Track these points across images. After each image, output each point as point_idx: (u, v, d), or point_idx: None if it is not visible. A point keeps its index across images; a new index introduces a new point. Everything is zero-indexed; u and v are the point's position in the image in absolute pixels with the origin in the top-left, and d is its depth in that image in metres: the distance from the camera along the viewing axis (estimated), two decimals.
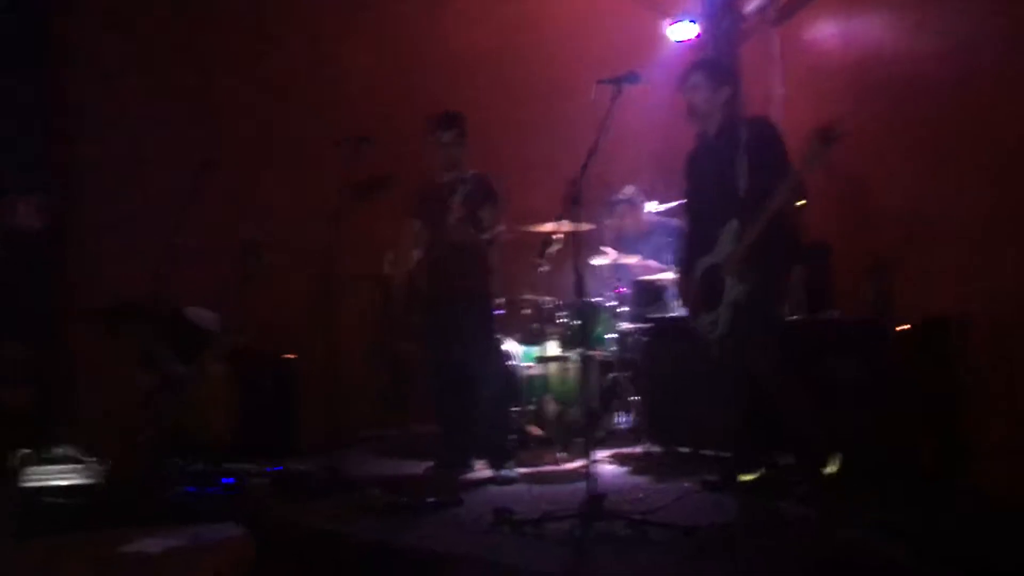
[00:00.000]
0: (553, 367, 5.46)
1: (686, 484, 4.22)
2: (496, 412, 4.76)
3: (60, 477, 4.60)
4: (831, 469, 3.79)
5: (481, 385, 4.69)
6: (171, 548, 2.76)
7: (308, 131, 6.06)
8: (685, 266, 4.37)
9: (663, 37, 6.67)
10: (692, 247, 4.33)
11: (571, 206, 3.67)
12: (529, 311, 5.67)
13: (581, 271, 3.65)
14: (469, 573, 3.14)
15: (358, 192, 4.36)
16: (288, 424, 5.43)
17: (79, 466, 4.74)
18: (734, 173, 3.90)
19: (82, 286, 5.64)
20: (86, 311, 5.36)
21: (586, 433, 3.78)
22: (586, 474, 3.46)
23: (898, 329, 4.05)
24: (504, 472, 4.59)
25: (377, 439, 5.73)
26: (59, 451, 4.84)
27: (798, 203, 3.92)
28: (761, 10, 6.19)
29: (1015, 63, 4.04)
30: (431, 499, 3.99)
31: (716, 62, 4.37)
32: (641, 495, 4.05)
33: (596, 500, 3.39)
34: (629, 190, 5.91)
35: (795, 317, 4.68)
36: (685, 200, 4.52)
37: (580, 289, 3.61)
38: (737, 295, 3.95)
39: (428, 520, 3.77)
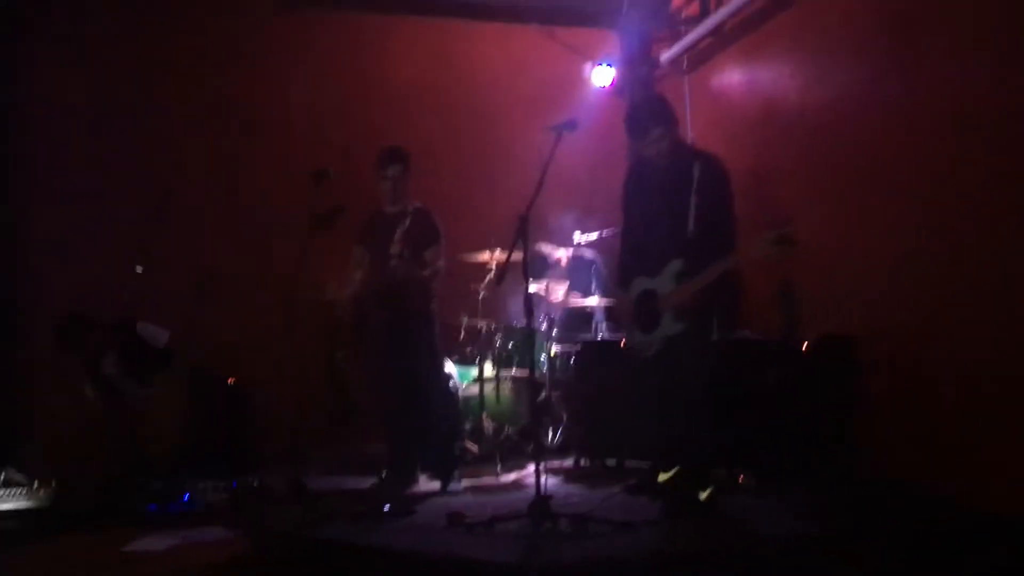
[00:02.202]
0: (489, 387, 5.84)
1: (614, 489, 4.67)
2: (442, 428, 5.11)
3: (7, 500, 4.73)
4: (703, 496, 4.24)
5: (427, 402, 5.03)
6: (172, 545, 3.06)
7: (264, 163, 6.39)
8: (622, 278, 4.63)
9: (585, 79, 7.21)
10: (630, 262, 4.60)
11: (520, 239, 4.04)
12: (464, 334, 6.06)
13: (530, 297, 4.04)
14: (435, 567, 3.48)
15: (317, 222, 4.67)
16: (241, 441, 5.64)
17: (25, 489, 4.89)
18: (684, 211, 4.18)
19: (35, 305, 5.82)
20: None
21: (533, 443, 4.17)
22: (532, 481, 3.84)
23: (804, 346, 4.57)
24: (451, 486, 4.94)
25: (324, 456, 5.97)
26: (6, 474, 4.98)
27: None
28: (674, 59, 6.78)
29: (899, 113, 4.63)
30: (387, 507, 4.33)
31: (659, 106, 4.44)
32: (576, 499, 4.49)
33: (543, 500, 3.79)
34: (551, 250, 6.36)
35: (712, 338, 5.20)
36: (626, 214, 4.68)
37: (529, 313, 4.01)
38: (673, 331, 4.29)
39: (387, 526, 4.09)
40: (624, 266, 4.68)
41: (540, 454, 4.01)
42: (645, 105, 4.55)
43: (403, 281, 4.95)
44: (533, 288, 5.95)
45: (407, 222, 4.94)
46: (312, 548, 3.64)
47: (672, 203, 4.30)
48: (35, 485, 4.92)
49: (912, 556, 3.45)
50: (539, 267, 6.37)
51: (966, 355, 4.16)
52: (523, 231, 4.00)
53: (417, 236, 5.00)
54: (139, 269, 5.17)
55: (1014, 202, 3.85)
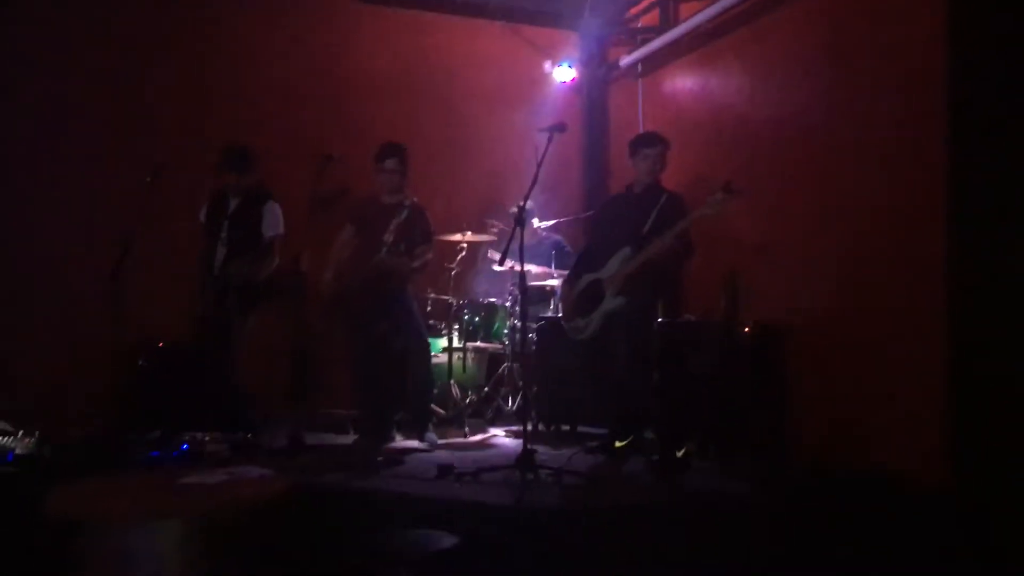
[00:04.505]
0: (456, 357, 6.38)
1: (574, 449, 5.29)
2: (423, 391, 5.63)
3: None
4: (680, 454, 4.96)
5: (412, 371, 5.54)
6: (221, 481, 3.50)
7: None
8: (572, 278, 5.45)
9: (545, 76, 7.74)
10: (583, 264, 5.42)
11: (517, 226, 4.60)
12: (430, 308, 6.57)
13: (524, 277, 4.61)
14: (439, 508, 4.01)
15: (321, 204, 5.11)
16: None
17: (11, 437, 5.18)
18: (644, 219, 5.03)
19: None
20: None
21: (524, 406, 4.82)
22: (499, 440, 4.42)
23: (745, 331, 5.25)
24: (427, 435, 5.47)
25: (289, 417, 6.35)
26: None
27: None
28: (631, 64, 7.38)
29: (833, 129, 5.32)
30: (380, 458, 4.84)
31: (660, 135, 5.37)
32: (544, 457, 5.07)
33: (530, 453, 4.38)
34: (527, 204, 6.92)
35: (660, 320, 5.84)
36: (593, 230, 5.66)
37: (523, 292, 4.58)
38: (613, 305, 5.06)
39: (383, 474, 4.60)
40: (577, 269, 5.49)
41: (527, 415, 4.63)
42: (650, 132, 5.54)
43: (390, 270, 5.44)
44: (500, 268, 6.54)
45: (403, 215, 5.41)
46: (318, 493, 4.13)
47: (635, 217, 5.11)
48: (20, 434, 5.22)
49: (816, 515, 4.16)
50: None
51: (872, 343, 4.91)
52: (520, 219, 4.54)
53: (411, 230, 5.47)
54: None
55: (925, 211, 4.57)
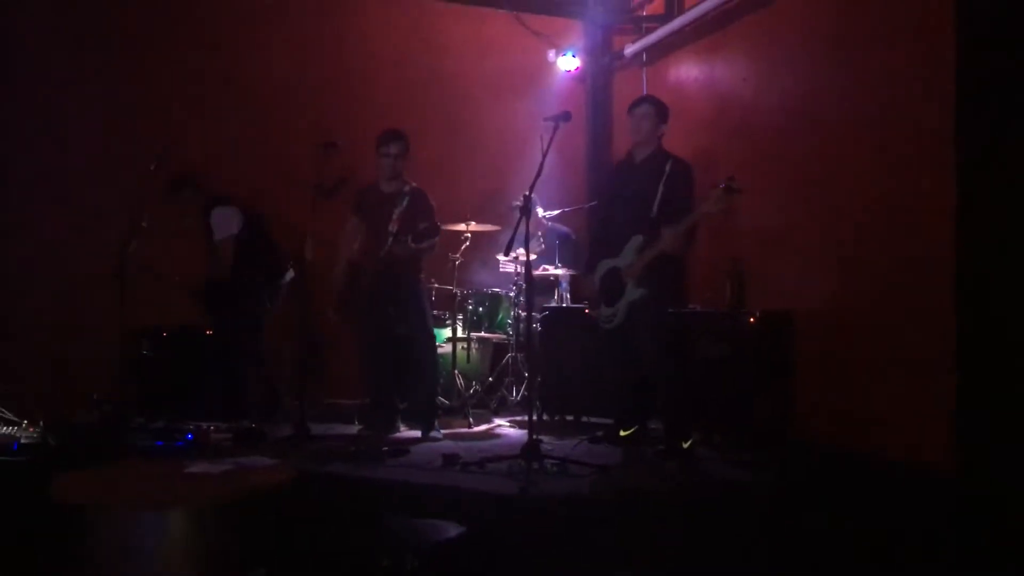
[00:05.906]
0: (460, 347, 6.37)
1: (578, 439, 5.28)
2: (428, 382, 5.61)
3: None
4: (686, 444, 4.93)
5: (417, 360, 5.52)
6: (227, 470, 3.50)
7: (240, 134, 6.72)
8: (590, 264, 5.36)
9: (549, 65, 7.71)
10: (598, 248, 5.33)
11: (523, 216, 4.56)
12: (434, 298, 6.54)
13: (529, 266, 4.59)
14: (441, 496, 4.01)
15: (323, 192, 5.09)
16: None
17: (16, 427, 5.18)
18: (651, 196, 4.92)
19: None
20: None
21: (528, 396, 4.80)
22: (503, 431, 4.41)
23: (751, 320, 5.23)
24: (432, 433, 5.45)
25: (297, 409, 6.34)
26: None
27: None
28: (636, 53, 7.34)
29: (839, 118, 5.29)
30: (385, 448, 4.83)
31: (662, 101, 5.24)
32: (549, 447, 5.07)
33: (536, 443, 4.37)
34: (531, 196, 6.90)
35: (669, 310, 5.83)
36: (599, 207, 5.54)
37: (530, 282, 4.55)
38: (635, 296, 4.99)
39: (388, 464, 4.60)
40: (592, 254, 5.39)
41: (532, 404, 4.59)
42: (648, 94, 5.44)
43: (399, 259, 5.41)
44: (504, 258, 6.52)
45: (404, 202, 5.37)
46: (324, 482, 4.14)
47: (642, 192, 5.00)
48: (25, 423, 5.22)
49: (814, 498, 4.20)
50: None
51: (877, 330, 4.90)
52: (526, 208, 4.51)
53: (414, 217, 5.41)
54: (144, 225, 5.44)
55: (932, 198, 4.54)
